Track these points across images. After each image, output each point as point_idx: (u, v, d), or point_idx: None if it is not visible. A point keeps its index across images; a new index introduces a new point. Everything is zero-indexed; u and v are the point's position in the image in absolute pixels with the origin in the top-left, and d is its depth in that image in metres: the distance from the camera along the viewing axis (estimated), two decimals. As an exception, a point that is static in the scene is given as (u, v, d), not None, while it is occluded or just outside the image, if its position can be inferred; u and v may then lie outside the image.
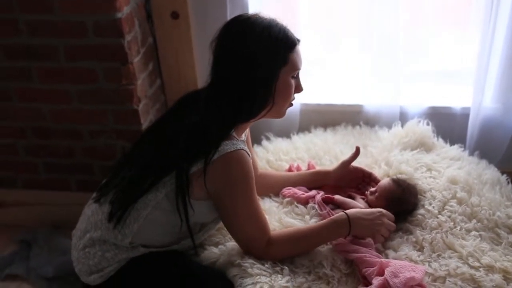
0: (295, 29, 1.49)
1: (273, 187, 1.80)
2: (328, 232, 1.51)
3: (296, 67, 1.45)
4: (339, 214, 1.52)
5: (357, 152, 1.74)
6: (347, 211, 1.52)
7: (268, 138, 2.15)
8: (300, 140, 2.11)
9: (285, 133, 2.20)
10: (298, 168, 1.92)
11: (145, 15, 2.09)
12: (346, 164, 1.75)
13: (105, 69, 1.97)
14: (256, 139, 2.13)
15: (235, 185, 1.39)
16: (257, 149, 2.06)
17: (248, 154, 1.42)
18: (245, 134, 1.65)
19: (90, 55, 1.95)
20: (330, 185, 1.80)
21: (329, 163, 1.96)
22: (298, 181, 1.79)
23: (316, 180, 1.79)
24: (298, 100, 2.22)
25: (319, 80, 2.32)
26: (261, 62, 1.38)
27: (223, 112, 1.41)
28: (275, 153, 2.03)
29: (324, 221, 1.53)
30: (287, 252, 1.49)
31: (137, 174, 1.46)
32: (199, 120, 1.41)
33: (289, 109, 2.20)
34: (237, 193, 1.39)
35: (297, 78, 1.49)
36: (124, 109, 2.05)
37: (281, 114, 1.52)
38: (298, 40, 1.46)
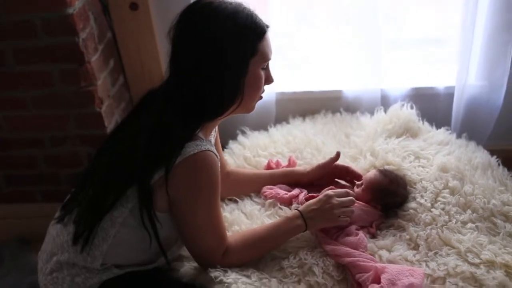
0: (266, 9, 1.34)
1: (242, 186, 1.68)
2: (284, 232, 1.41)
3: (267, 57, 1.31)
4: (293, 212, 1.44)
5: (336, 158, 1.62)
6: (299, 208, 1.43)
7: (244, 132, 2.01)
8: (278, 133, 1.98)
9: (262, 126, 2.07)
10: (277, 164, 1.80)
11: (101, 8, 1.91)
12: (322, 168, 1.64)
13: (60, 71, 1.80)
14: (231, 134, 1.99)
15: (199, 192, 1.26)
16: (232, 146, 1.93)
17: (216, 156, 1.29)
18: (215, 131, 1.52)
19: (43, 57, 1.77)
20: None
21: (311, 156, 1.84)
22: (269, 181, 1.67)
23: (288, 181, 1.67)
24: (273, 89, 2.09)
25: (294, 66, 2.19)
26: (227, 53, 1.24)
27: (185, 111, 1.26)
28: (253, 149, 1.90)
29: (279, 220, 1.43)
30: (244, 259, 1.39)
31: (98, 189, 1.33)
32: (158, 122, 1.27)
33: (265, 99, 2.09)
34: (200, 200, 1.27)
35: (266, 68, 1.36)
36: (86, 112, 1.89)
37: (250, 109, 1.39)
38: (267, 27, 1.32)
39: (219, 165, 1.31)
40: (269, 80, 1.37)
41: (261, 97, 1.38)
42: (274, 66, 2.01)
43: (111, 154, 1.35)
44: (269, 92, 2.08)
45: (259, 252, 1.41)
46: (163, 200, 1.26)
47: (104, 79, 1.92)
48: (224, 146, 1.93)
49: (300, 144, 1.89)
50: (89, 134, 1.94)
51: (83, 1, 1.76)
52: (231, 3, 1.28)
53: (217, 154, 1.29)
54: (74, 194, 1.42)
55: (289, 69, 2.16)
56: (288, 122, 2.09)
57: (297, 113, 2.12)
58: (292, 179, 1.67)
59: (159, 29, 1.99)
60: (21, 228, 2.18)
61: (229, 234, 1.42)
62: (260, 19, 1.30)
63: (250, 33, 1.26)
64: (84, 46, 1.76)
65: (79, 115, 1.90)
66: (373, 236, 1.53)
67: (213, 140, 1.46)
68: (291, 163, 1.79)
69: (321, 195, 1.44)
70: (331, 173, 1.65)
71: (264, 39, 1.29)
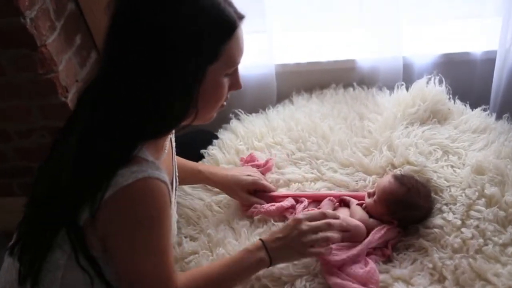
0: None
1: None
2: (243, 268, 1.13)
3: (233, 63, 0.98)
4: (255, 242, 1.15)
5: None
6: (263, 237, 1.15)
7: (237, 115, 1.70)
8: (278, 117, 1.66)
9: (261, 105, 1.75)
10: (251, 159, 1.52)
11: (56, -24, 1.58)
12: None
13: (12, 58, 1.52)
14: (224, 119, 1.68)
15: (137, 233, 0.97)
16: (223, 136, 1.63)
17: (163, 181, 0.97)
18: (170, 139, 1.22)
19: (-10, 42, 1.49)
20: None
21: (316, 147, 1.52)
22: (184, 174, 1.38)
23: (194, 182, 1.44)
24: (272, 60, 1.74)
25: (297, 32, 1.81)
26: (177, 54, 0.91)
27: (120, 126, 0.95)
28: (247, 139, 1.59)
29: (238, 253, 1.14)
30: None
31: (34, 223, 1.09)
32: (84, 141, 0.97)
33: (264, 75, 1.77)
34: (139, 243, 0.98)
35: (233, 74, 1.02)
36: (49, 103, 1.61)
37: (207, 119, 1.07)
38: (241, 18, 0.97)
39: (167, 191, 1.00)
40: (235, 86, 1.04)
41: (223, 105, 1.06)
42: (272, 31, 1.70)
43: (44, 179, 1.08)
44: (267, 65, 1.75)
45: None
46: (97, 240, 1.00)
47: (68, 61, 1.62)
48: (214, 136, 1.64)
49: (304, 132, 1.57)
50: (57, 125, 1.67)
51: (28, -29, 1.43)
52: None
53: (164, 179, 0.98)
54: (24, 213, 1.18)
55: (291, 35, 1.79)
56: (291, 101, 1.75)
57: (302, 88, 1.79)
58: (196, 180, 1.44)
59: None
60: (2, 222, 1.99)
61: (182, 272, 1.14)
62: (231, 11, 0.95)
63: (213, 32, 0.92)
64: (35, 27, 1.45)
65: (42, 106, 1.63)
66: (389, 258, 1.25)
67: (165, 153, 1.15)
68: (266, 166, 1.48)
69: (288, 221, 1.16)
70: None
71: (232, 38, 0.95)
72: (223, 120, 1.69)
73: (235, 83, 1.03)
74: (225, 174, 1.40)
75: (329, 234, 1.14)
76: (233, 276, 1.13)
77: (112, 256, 1.02)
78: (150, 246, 0.99)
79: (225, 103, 1.04)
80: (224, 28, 0.93)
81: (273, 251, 1.12)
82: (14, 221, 1.77)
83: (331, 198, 1.33)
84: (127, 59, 0.93)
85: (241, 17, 0.97)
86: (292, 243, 1.12)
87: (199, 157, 1.56)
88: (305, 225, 1.13)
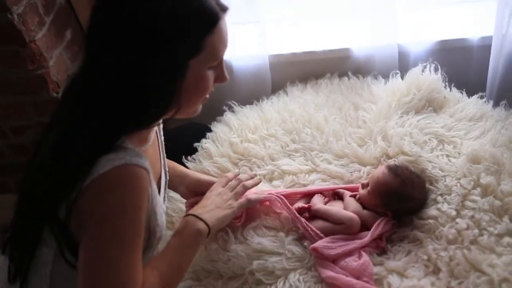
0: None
1: None
2: (188, 243, 1.10)
3: (216, 56, 0.95)
4: (185, 219, 1.14)
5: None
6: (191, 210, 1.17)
7: (231, 108, 1.68)
8: (272, 108, 1.64)
9: (255, 97, 1.73)
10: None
11: (43, -30, 1.55)
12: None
13: (1, 54, 1.50)
14: (217, 111, 1.66)
15: (105, 222, 0.91)
16: (216, 129, 1.61)
17: (145, 168, 0.94)
18: (158, 128, 1.21)
19: (-21, 39, 1.46)
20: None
21: (311, 138, 1.50)
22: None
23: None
24: (266, 51, 1.72)
25: (290, 22, 1.79)
26: (157, 48, 0.89)
27: (102, 119, 0.93)
28: (240, 132, 1.57)
29: (176, 236, 1.11)
30: None
31: (20, 220, 1.07)
32: (67, 132, 0.95)
33: (258, 66, 1.75)
34: (106, 235, 0.91)
35: (218, 66, 1.00)
36: (41, 99, 1.59)
37: (191, 113, 1.04)
38: (224, 10, 0.94)
39: (147, 177, 0.96)
40: (220, 79, 1.01)
41: (206, 99, 1.03)
42: (265, 21, 1.67)
43: (30, 175, 1.06)
44: (261, 56, 1.72)
45: (178, 279, 1.09)
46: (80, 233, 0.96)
47: (58, 56, 1.60)
48: (207, 129, 1.62)
49: (298, 123, 1.55)
50: (51, 121, 1.66)
51: (13, -35, 1.41)
52: None
53: (143, 165, 0.94)
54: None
55: (284, 24, 1.77)
56: (285, 92, 1.73)
57: (297, 78, 1.77)
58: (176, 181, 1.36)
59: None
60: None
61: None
62: (212, 2, 0.91)
63: (194, 24, 0.89)
64: (23, 23, 1.43)
65: (35, 102, 1.62)
66: (383, 250, 1.23)
67: (149, 144, 1.12)
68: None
69: (210, 192, 1.24)
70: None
71: (214, 31, 0.92)
72: (217, 112, 1.67)
73: (220, 75, 1.00)
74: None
75: (246, 183, 1.26)
76: (183, 256, 1.09)
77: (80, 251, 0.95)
78: (117, 243, 0.92)
79: (207, 96, 1.02)
80: (206, 21, 0.90)
81: (205, 215, 1.14)
82: (10, 217, 1.78)
83: (338, 190, 1.32)
84: (107, 54, 0.91)
85: (224, 8, 0.94)
86: (218, 204, 1.19)
87: (192, 151, 1.54)
88: (221, 188, 1.24)
